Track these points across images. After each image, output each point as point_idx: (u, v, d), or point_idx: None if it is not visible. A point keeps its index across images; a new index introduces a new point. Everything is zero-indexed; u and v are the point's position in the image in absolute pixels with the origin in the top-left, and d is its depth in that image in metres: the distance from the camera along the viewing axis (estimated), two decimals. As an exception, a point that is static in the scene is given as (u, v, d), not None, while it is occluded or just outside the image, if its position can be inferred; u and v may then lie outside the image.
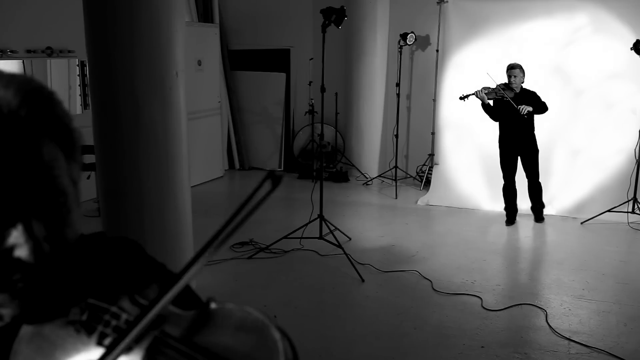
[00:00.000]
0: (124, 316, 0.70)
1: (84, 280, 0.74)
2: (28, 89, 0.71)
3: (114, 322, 0.69)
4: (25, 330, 0.68)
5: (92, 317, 0.69)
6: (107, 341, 0.68)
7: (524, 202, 6.06)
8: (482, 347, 3.52)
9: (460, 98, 5.96)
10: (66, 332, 0.69)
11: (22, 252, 0.68)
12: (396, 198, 7.00)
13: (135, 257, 0.85)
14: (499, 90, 5.72)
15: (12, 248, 0.68)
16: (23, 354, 0.67)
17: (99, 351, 0.67)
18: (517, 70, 5.67)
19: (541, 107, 5.63)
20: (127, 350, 0.66)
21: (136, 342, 0.67)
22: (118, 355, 0.65)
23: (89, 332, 0.69)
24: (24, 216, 0.68)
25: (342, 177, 7.90)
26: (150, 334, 0.68)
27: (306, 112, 8.14)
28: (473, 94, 5.81)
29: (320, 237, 5.04)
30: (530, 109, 5.57)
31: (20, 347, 0.68)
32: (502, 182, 5.98)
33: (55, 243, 0.71)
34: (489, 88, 5.77)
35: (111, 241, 0.86)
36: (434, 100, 7.34)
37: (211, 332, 0.69)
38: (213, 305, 0.71)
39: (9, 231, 0.67)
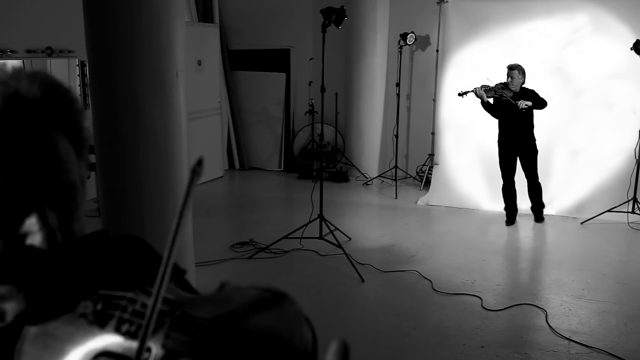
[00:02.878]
0: (141, 301, 0.70)
1: (92, 274, 0.74)
2: (50, 83, 0.76)
3: (131, 307, 0.69)
4: (29, 330, 0.68)
5: (107, 305, 0.69)
6: (125, 327, 0.67)
7: (524, 202, 6.06)
8: (482, 347, 3.52)
9: (459, 94, 5.96)
10: (75, 326, 0.68)
11: (35, 239, 0.70)
12: (396, 198, 7.00)
13: (141, 251, 0.86)
14: (498, 89, 5.73)
15: (24, 236, 0.70)
16: (28, 353, 0.67)
17: (115, 338, 0.67)
18: (515, 72, 5.67)
19: (540, 103, 5.64)
20: (152, 333, 0.66)
21: (157, 324, 0.66)
22: (147, 340, 0.64)
23: (103, 322, 0.68)
24: (39, 204, 0.71)
25: (342, 177, 7.90)
26: (169, 315, 0.68)
27: (306, 112, 8.14)
28: (472, 91, 5.81)
29: (320, 237, 5.04)
30: (530, 103, 5.59)
31: (24, 347, 0.67)
32: (502, 182, 5.98)
33: (66, 235, 0.73)
34: (488, 86, 5.78)
35: (116, 237, 0.87)
36: (434, 100, 7.33)
37: (230, 309, 0.69)
38: (229, 287, 0.71)
39: (24, 219, 0.70)
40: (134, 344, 0.65)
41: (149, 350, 0.65)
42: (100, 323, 0.68)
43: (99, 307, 0.69)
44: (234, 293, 0.71)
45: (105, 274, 0.74)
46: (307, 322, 0.70)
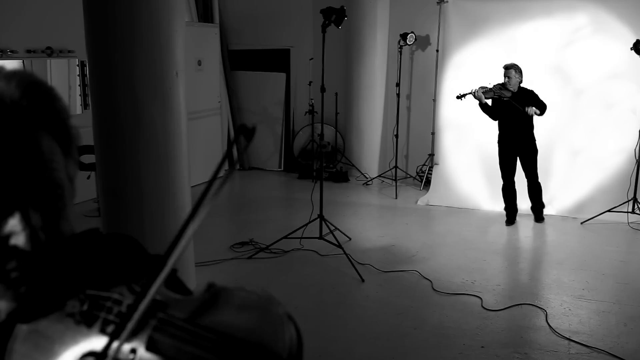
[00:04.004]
0: (126, 302, 0.70)
1: (80, 273, 0.74)
2: (29, 82, 0.74)
3: (116, 309, 0.69)
4: (20, 328, 0.69)
5: (93, 305, 0.69)
6: (110, 328, 0.68)
7: (524, 202, 6.06)
8: (482, 347, 3.52)
9: (457, 97, 5.96)
10: (64, 325, 0.68)
11: (18, 239, 0.70)
12: (396, 198, 7.00)
13: (130, 250, 0.86)
14: (497, 90, 5.73)
15: (8, 236, 0.70)
16: (19, 352, 0.67)
17: (101, 339, 0.67)
18: (511, 71, 5.67)
19: (541, 107, 5.64)
20: (134, 334, 0.66)
21: (141, 325, 0.67)
22: (124, 340, 0.65)
23: (90, 323, 0.68)
24: (21, 205, 0.70)
25: (342, 177, 7.90)
26: (154, 317, 0.68)
27: (306, 112, 8.14)
28: (470, 93, 5.81)
29: (320, 237, 5.04)
30: (538, 111, 5.58)
31: (15, 345, 0.68)
32: (502, 182, 5.98)
33: (51, 234, 0.73)
34: (486, 87, 5.77)
35: (105, 236, 0.87)
36: (434, 100, 7.33)
37: (214, 312, 0.69)
38: (215, 288, 0.72)
39: (6, 219, 0.69)
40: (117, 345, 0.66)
41: (133, 351, 0.66)
42: (87, 323, 0.68)
43: (85, 307, 0.69)
44: (221, 294, 0.71)
45: (93, 273, 0.74)
46: (292, 322, 0.70)
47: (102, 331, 0.68)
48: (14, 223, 0.70)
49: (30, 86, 0.74)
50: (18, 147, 0.70)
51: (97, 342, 0.67)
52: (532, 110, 5.56)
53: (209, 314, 0.69)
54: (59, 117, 0.77)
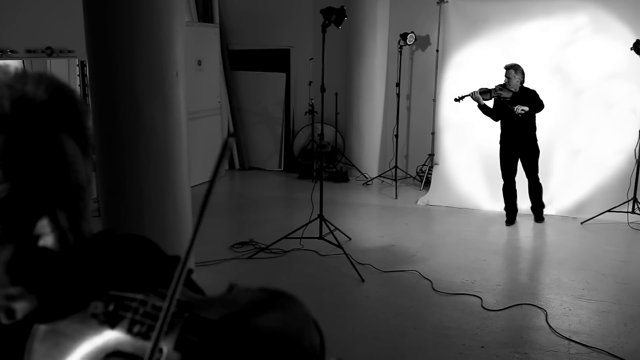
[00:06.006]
0: (151, 303, 0.70)
1: (102, 274, 0.75)
2: (56, 85, 0.76)
3: (142, 309, 0.70)
4: (38, 328, 0.69)
5: (118, 306, 0.70)
6: (137, 328, 0.68)
7: (524, 202, 6.06)
8: (482, 347, 3.52)
9: (456, 100, 5.95)
10: (86, 325, 0.68)
11: (47, 241, 0.70)
12: (396, 198, 7.00)
13: (149, 251, 0.87)
14: (495, 91, 5.72)
15: (36, 238, 0.70)
16: (39, 351, 0.67)
17: (126, 338, 0.67)
18: (511, 72, 5.66)
19: (537, 106, 5.63)
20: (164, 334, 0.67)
21: (170, 326, 0.67)
22: (159, 339, 0.65)
23: (114, 323, 0.68)
24: (49, 206, 0.71)
25: (342, 177, 7.90)
26: (181, 317, 0.68)
27: (306, 112, 8.14)
28: (469, 95, 5.80)
29: (320, 237, 5.04)
30: (526, 108, 5.57)
31: (34, 345, 0.68)
32: (502, 182, 5.98)
33: (76, 235, 0.74)
34: (486, 88, 5.76)
35: (124, 237, 0.88)
36: (434, 100, 7.34)
37: (239, 311, 0.70)
38: (238, 288, 0.72)
39: (36, 222, 0.70)
40: (145, 344, 0.66)
41: (160, 350, 0.66)
42: (111, 323, 0.68)
43: (111, 308, 0.69)
44: (243, 295, 0.72)
45: (115, 274, 0.75)
46: (316, 326, 0.71)
47: (129, 331, 0.68)
48: (42, 224, 0.70)
49: (57, 90, 0.76)
50: (46, 148, 0.72)
51: (121, 340, 0.67)
52: (519, 108, 5.56)
53: (233, 313, 0.70)
54: (79, 119, 0.79)
